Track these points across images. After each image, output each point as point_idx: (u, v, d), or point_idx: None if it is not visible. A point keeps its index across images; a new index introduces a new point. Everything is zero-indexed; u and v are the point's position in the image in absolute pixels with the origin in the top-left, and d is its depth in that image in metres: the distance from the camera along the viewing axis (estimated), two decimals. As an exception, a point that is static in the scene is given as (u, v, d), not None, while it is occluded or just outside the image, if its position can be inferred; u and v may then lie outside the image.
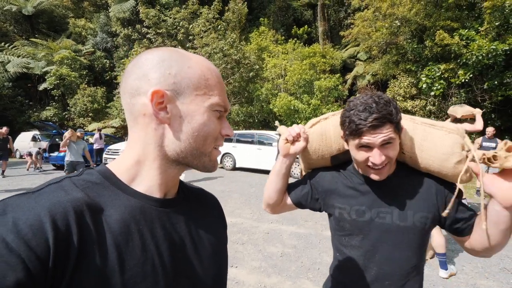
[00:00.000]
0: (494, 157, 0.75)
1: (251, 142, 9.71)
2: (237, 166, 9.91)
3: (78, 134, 6.17)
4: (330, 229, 1.06)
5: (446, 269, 2.91)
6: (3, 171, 8.36)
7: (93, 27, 18.67)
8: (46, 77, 15.75)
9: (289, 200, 1.10)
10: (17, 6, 18.15)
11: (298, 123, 10.40)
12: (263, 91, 12.62)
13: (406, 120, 0.91)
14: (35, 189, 0.42)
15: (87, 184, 0.45)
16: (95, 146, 9.79)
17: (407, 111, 9.72)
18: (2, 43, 17.00)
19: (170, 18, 13.71)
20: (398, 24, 10.20)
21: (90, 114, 15.84)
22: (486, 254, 0.87)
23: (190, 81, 0.48)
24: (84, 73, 16.70)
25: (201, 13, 13.21)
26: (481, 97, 8.87)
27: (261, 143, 9.56)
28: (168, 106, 0.47)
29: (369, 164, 0.84)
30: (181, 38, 13.24)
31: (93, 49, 18.05)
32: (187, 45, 13.02)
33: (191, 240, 0.53)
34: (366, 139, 0.80)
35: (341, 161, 1.01)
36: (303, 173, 1.15)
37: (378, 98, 0.80)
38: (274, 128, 12.50)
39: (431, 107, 9.61)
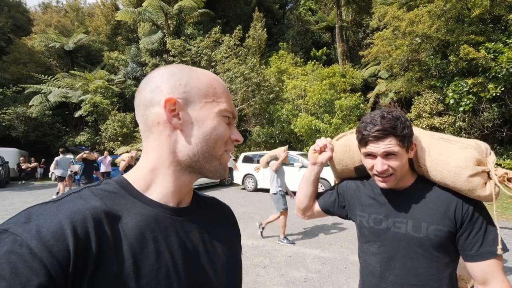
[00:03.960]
0: None
1: (273, 163, 9.81)
2: (258, 187, 9.94)
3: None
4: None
5: None
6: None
7: (124, 58, 20.45)
8: (81, 105, 17.24)
9: (318, 207, 1.21)
10: (60, 43, 20.49)
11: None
12: (283, 112, 12.86)
13: (423, 135, 0.98)
14: (57, 198, 0.44)
15: (104, 193, 0.47)
16: (102, 169, 9.53)
17: (434, 128, 9.40)
18: (46, 76, 19.08)
19: (194, 47, 14.76)
20: (419, 41, 10.22)
21: (119, 138, 16.89)
22: None
23: (199, 89, 0.52)
24: (115, 100, 18.08)
25: (223, 40, 14.13)
26: (516, 111, 8.44)
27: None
28: (180, 113, 0.51)
29: (375, 172, 0.92)
30: (204, 65, 14.11)
31: (124, 78, 19.64)
32: (210, 71, 13.83)
33: (205, 249, 0.54)
34: (369, 148, 0.91)
35: (364, 172, 1.06)
36: (335, 183, 1.26)
37: (387, 113, 0.90)
38: (295, 149, 12.54)
39: (461, 123, 9.25)
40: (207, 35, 14.94)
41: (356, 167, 1.09)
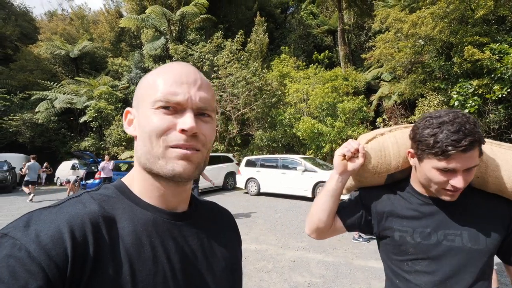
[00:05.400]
0: None
1: (275, 167, 9.75)
2: (261, 191, 9.89)
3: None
4: (381, 254, 1.00)
5: None
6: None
7: (128, 64, 20.68)
8: (86, 111, 17.43)
9: (339, 223, 1.01)
10: (65, 50, 20.85)
11: (323, 146, 10.22)
12: (286, 116, 12.82)
13: None
14: (57, 203, 0.45)
15: (103, 198, 0.48)
16: (102, 175, 9.32)
17: (439, 130, 9.25)
18: (52, 83, 19.36)
19: (197, 52, 14.85)
20: (422, 43, 10.11)
21: (124, 143, 16.99)
22: None
23: (143, 91, 0.50)
24: (119, 105, 18.23)
25: (225, 45, 14.19)
26: (524, 112, 8.27)
27: (285, 167, 9.56)
28: (134, 121, 0.52)
29: (449, 187, 0.78)
30: (207, 70, 14.17)
31: (127, 84, 19.82)
32: (212, 76, 13.87)
33: (203, 254, 0.53)
34: (454, 163, 0.73)
35: (395, 179, 0.95)
36: (347, 191, 1.09)
37: (467, 118, 0.74)
38: (298, 152, 12.45)
39: (466, 125, 9.10)
40: (209, 40, 15.03)
41: (390, 174, 0.93)
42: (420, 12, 9.99)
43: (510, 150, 0.85)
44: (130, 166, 13.10)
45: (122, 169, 12.94)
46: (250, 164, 10.58)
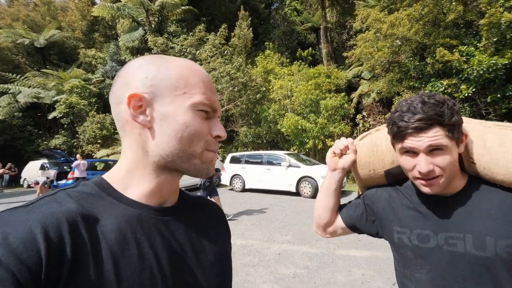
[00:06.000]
0: None
1: (260, 163, 10.26)
2: (246, 187, 10.38)
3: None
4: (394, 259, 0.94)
5: None
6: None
7: (103, 56, 20.24)
8: (56, 106, 16.88)
9: (341, 222, 1.02)
10: (29, 39, 19.94)
11: (306, 142, 10.91)
12: (270, 112, 13.41)
13: (473, 124, 0.81)
14: (28, 203, 0.43)
15: (82, 195, 0.46)
16: (76, 174, 9.07)
17: (414, 126, 10.28)
18: (14, 75, 18.46)
19: (178, 45, 14.99)
20: (399, 43, 11.11)
21: (99, 141, 16.73)
22: None
23: (168, 82, 0.49)
24: (93, 100, 17.86)
25: (207, 39, 14.47)
26: (486, 111, 9.43)
27: (270, 163, 10.09)
28: (147, 109, 0.48)
29: (416, 173, 0.75)
30: (189, 64, 14.38)
31: (102, 78, 19.43)
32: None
33: (192, 248, 0.54)
34: (408, 142, 0.73)
35: (397, 177, 0.91)
36: (359, 194, 1.08)
37: (428, 98, 0.73)
38: (282, 148, 13.09)
39: (438, 121, 10.18)
40: (191, 33, 15.22)
41: (386, 171, 0.91)
42: (398, 13, 10.97)
43: None
44: (107, 165, 13.01)
45: (98, 168, 12.79)
46: (234, 160, 11.00)
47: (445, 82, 9.73)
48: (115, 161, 14.04)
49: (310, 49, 18.46)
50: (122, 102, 0.50)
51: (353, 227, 1.01)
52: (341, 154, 0.99)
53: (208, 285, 0.54)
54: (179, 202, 0.59)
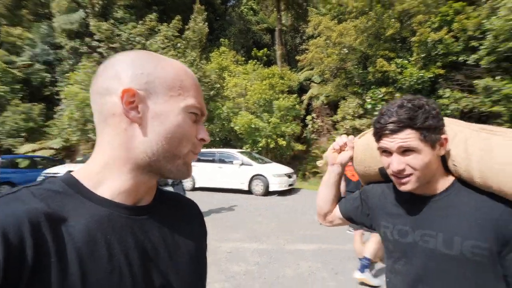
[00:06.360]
0: None
1: (212, 161, 10.08)
2: (196, 186, 10.09)
3: None
4: None
5: (362, 272, 3.19)
6: None
7: (32, 37, 17.72)
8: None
9: (339, 213, 1.11)
10: None
11: (259, 141, 11.16)
12: (224, 110, 13.31)
13: (460, 127, 0.84)
14: None
15: (48, 193, 0.44)
16: None
17: (356, 129, 11.25)
18: None
19: (125, 33, 13.91)
20: (346, 51, 12.03)
21: (23, 134, 14.61)
22: None
23: (163, 81, 0.49)
24: (18, 87, 15.55)
25: (159, 30, 13.72)
26: (415, 117, 10.80)
27: (222, 161, 10.00)
28: (139, 105, 0.47)
29: (391, 171, 0.82)
30: (138, 54, 13.46)
31: (30, 62, 17.02)
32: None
33: (166, 248, 0.53)
34: (383, 142, 0.80)
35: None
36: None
37: (407, 102, 0.78)
38: (235, 146, 13.11)
39: (377, 125, 11.33)
40: (141, 22, 14.26)
41: (380, 168, 0.97)
42: (346, 23, 11.85)
43: (501, 136, 0.76)
44: (33, 162, 11.40)
45: (21, 166, 11.16)
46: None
47: (383, 89, 10.85)
48: (43, 158, 12.45)
49: (265, 49, 18.83)
50: (111, 95, 0.48)
51: (349, 219, 1.09)
52: (340, 150, 1.07)
53: (182, 284, 0.53)
54: (155, 200, 0.57)
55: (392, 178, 0.84)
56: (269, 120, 12.76)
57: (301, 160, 13.97)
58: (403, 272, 0.88)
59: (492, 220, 0.74)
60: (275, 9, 19.61)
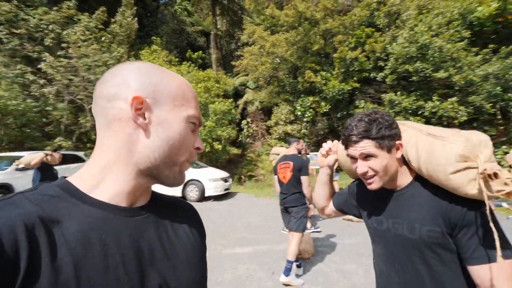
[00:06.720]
0: (496, 175, 0.75)
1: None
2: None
3: None
4: None
5: (287, 275, 3.31)
6: None
7: None
8: None
9: (332, 206, 1.31)
10: None
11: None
12: (155, 112, 12.54)
13: (414, 132, 0.98)
14: None
15: (42, 197, 0.44)
16: None
17: (288, 134, 12.08)
18: None
19: (35, 18, 11.91)
20: (278, 61, 12.84)
21: None
22: None
23: (169, 91, 0.52)
24: None
25: (79, 19, 12.19)
26: (337, 124, 12.22)
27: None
28: (146, 112, 0.50)
29: (359, 174, 0.99)
30: (50, 44, 11.66)
31: None
32: (58, 53, 11.57)
33: (162, 248, 0.53)
34: (349, 151, 0.97)
35: None
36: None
37: (365, 116, 0.94)
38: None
39: (304, 130, 12.37)
40: (55, 8, 12.42)
41: None
42: (278, 35, 12.64)
43: (440, 140, 0.88)
44: None
45: None
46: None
47: (311, 98, 11.95)
48: None
49: (200, 52, 18.58)
50: (118, 100, 0.50)
51: (342, 211, 1.29)
52: (327, 154, 1.25)
53: (179, 284, 0.53)
54: (151, 201, 0.58)
55: (362, 178, 1.00)
56: (205, 124, 12.63)
57: (236, 164, 14.18)
58: (382, 254, 1.07)
59: (441, 208, 0.89)
60: (210, 13, 19.59)
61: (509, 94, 7.98)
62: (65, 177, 0.52)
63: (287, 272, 3.34)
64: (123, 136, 0.50)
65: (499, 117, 8.83)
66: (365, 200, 1.16)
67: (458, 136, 0.87)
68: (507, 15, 8.80)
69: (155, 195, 0.62)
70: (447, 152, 0.84)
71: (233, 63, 15.10)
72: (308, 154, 7.36)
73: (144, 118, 0.50)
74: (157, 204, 0.60)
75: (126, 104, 0.49)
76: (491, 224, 0.78)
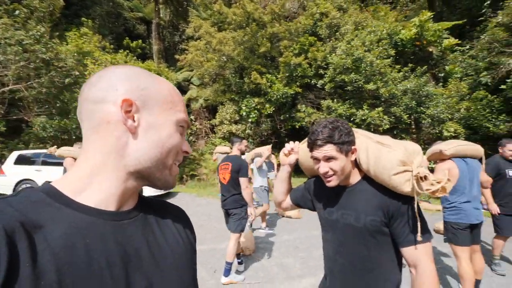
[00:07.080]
0: (425, 177, 0.98)
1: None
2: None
3: None
4: None
5: (226, 276, 3.43)
6: None
7: None
8: None
9: (289, 200, 1.48)
10: None
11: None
12: (84, 102, 11.16)
13: (365, 139, 1.17)
14: None
15: (25, 203, 0.44)
16: None
17: (232, 133, 12.08)
18: None
19: None
20: (225, 59, 12.73)
21: None
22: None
23: (158, 95, 0.53)
24: None
25: (-17, -15, 10.10)
26: (279, 126, 12.71)
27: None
28: (135, 115, 0.50)
29: (319, 173, 1.15)
30: None
31: None
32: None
33: (150, 251, 0.53)
34: (313, 153, 1.13)
35: None
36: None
37: (329, 123, 1.11)
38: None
39: (249, 131, 12.53)
40: None
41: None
42: (225, 33, 12.54)
43: (385, 148, 1.08)
44: None
45: None
46: (23, 161, 8.34)
47: (256, 99, 12.16)
48: None
49: (139, 41, 17.22)
50: (106, 103, 0.49)
51: (297, 204, 1.46)
52: (289, 153, 1.39)
53: (167, 287, 0.53)
54: (139, 204, 0.58)
55: (321, 177, 1.16)
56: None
57: (177, 163, 13.55)
58: (330, 240, 1.25)
59: (383, 202, 1.10)
60: (152, 0, 18.34)
61: (421, 108, 9.45)
62: (50, 182, 0.50)
63: (227, 273, 3.41)
64: (111, 139, 0.50)
65: (413, 126, 10.38)
66: (319, 195, 1.33)
67: (398, 144, 1.09)
68: (423, 40, 10.44)
69: (143, 199, 0.62)
70: (391, 158, 1.04)
71: (176, 56, 14.42)
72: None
73: (134, 121, 0.50)
74: (145, 207, 0.59)
75: (115, 107, 0.49)
76: (417, 215, 1.03)
